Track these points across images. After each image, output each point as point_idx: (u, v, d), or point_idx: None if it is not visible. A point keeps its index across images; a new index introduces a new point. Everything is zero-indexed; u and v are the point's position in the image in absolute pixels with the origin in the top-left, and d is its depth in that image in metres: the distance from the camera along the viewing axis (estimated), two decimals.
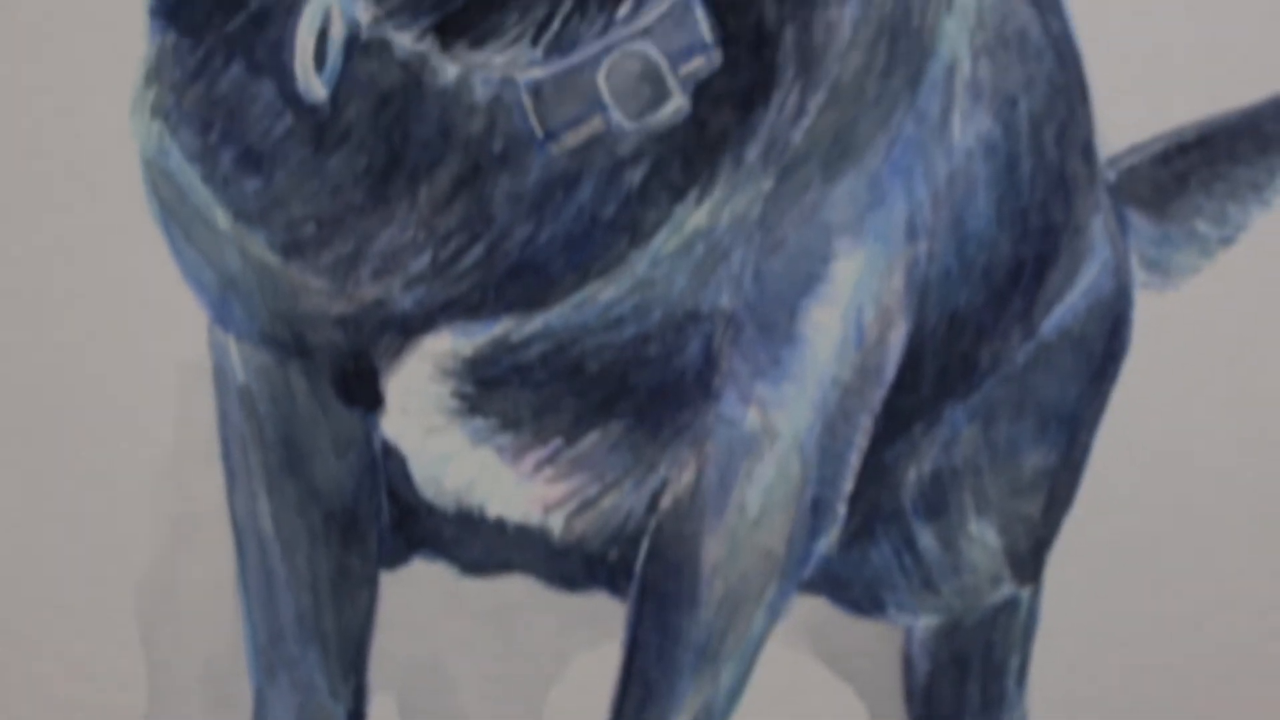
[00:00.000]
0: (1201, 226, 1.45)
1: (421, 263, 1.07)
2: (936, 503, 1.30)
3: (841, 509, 1.18)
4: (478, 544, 1.26)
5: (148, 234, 1.16)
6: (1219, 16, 1.47)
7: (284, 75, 1.08)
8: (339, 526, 1.24)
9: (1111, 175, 1.40)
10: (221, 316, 1.16)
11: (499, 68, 1.04)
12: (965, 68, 1.14)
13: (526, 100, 1.05)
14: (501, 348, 1.09)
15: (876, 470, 1.22)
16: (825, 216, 1.08)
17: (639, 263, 1.06)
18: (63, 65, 1.45)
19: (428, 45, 1.04)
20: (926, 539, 1.31)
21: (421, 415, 1.12)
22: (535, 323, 1.08)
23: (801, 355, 1.11)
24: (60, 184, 1.47)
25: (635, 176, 1.05)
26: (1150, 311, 1.37)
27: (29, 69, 1.46)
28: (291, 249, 1.09)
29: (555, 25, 1.03)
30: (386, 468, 1.23)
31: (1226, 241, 1.45)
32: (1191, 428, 1.47)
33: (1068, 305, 1.29)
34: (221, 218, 1.10)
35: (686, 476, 1.14)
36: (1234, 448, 1.48)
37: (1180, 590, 1.46)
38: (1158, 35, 1.47)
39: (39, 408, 1.48)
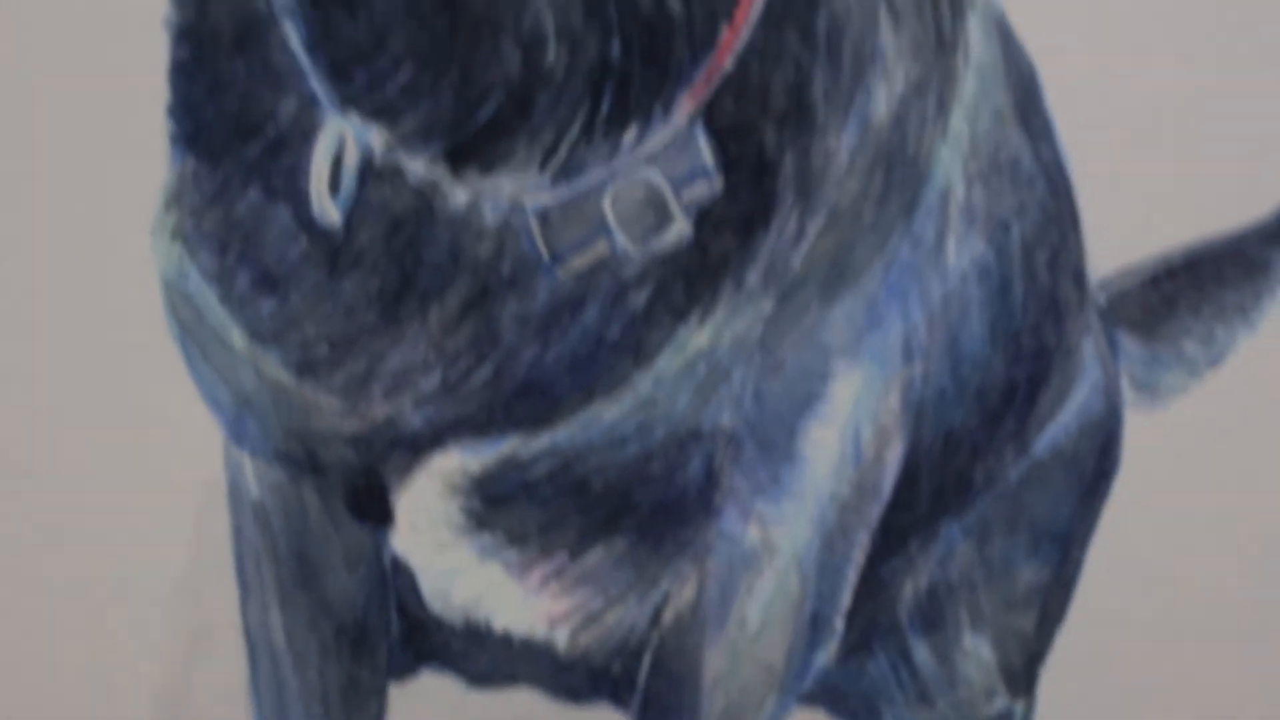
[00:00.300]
0: (1189, 348, 1.46)
1: (431, 382, 1.08)
2: (932, 617, 1.31)
3: (839, 623, 1.18)
4: (485, 657, 1.26)
5: (166, 354, 1.17)
6: (1205, 147, 1.49)
7: (299, 200, 1.09)
8: (349, 639, 1.25)
9: (1102, 298, 1.42)
10: (237, 434, 1.16)
11: (508, 193, 1.05)
12: (960, 194, 1.15)
13: (534, 225, 1.06)
14: (509, 465, 1.09)
15: (874, 585, 1.23)
16: (824, 338, 1.09)
17: (642, 382, 1.07)
18: (85, 188, 1.47)
19: (439, 172, 1.05)
20: (922, 653, 1.32)
21: (430, 531, 1.13)
22: (542, 441, 1.08)
23: (801, 473, 1.11)
24: (82, 304, 1.49)
25: (639, 299, 1.06)
26: (1140, 430, 1.38)
27: (51, 191, 1.47)
28: (305, 368, 1.10)
29: (562, 152, 1.04)
30: (396, 582, 1.24)
31: (1214, 362, 1.46)
32: (1181, 544, 1.48)
33: (1060, 424, 1.30)
34: (238, 338, 1.11)
35: (688, 591, 1.14)
36: (1223, 564, 1.49)
37: (1171, 704, 1.47)
38: (1146, 164, 1.48)
39: (60, 522, 1.49)
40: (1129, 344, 1.44)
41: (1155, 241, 1.46)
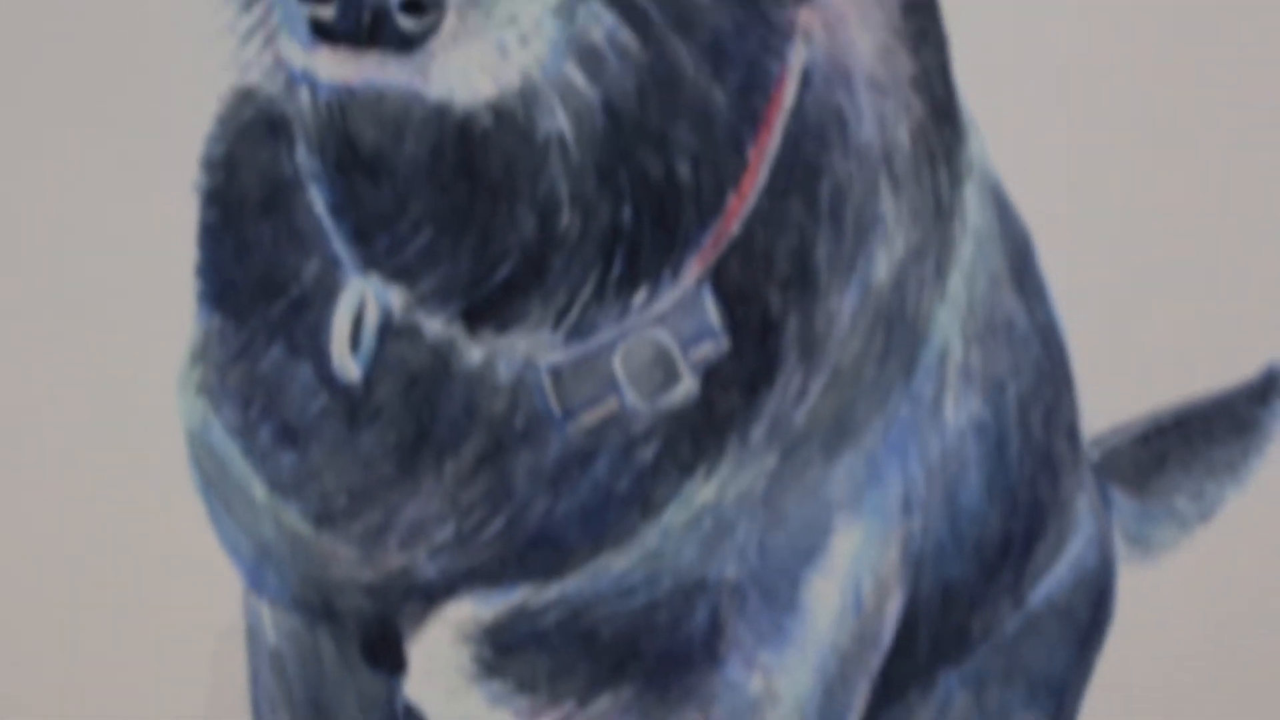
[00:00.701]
0: (1180, 504, 1.47)
1: (446, 533, 1.09)
2: None
3: None
4: None
5: (188, 503, 1.18)
6: (1192, 310, 1.51)
7: (321, 357, 1.11)
8: None
9: (1095, 454, 1.43)
10: (256, 582, 1.17)
11: (521, 351, 1.07)
12: (958, 354, 1.16)
13: (547, 382, 1.07)
14: (520, 614, 1.10)
15: None
16: (826, 493, 1.10)
17: (650, 535, 1.08)
18: (113, 343, 1.48)
19: (455, 330, 1.06)
20: None
21: (443, 678, 1.13)
22: (552, 591, 1.09)
23: (803, 623, 1.12)
24: (108, 453, 1.50)
25: (647, 454, 1.08)
26: (1132, 583, 1.39)
27: (82, 344, 1.49)
28: (323, 519, 1.11)
29: (574, 313, 1.05)
30: None
31: (1205, 518, 1.47)
32: (1172, 694, 1.48)
33: (1055, 577, 1.31)
34: (259, 490, 1.13)
35: None
36: (1217, 714, 1.49)
37: None
38: (1137, 326, 1.50)
39: (80, 665, 1.49)
40: (1122, 499, 1.45)
41: (1146, 400, 1.47)
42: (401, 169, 1.04)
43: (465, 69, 0.91)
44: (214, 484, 1.16)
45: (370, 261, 1.06)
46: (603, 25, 0.99)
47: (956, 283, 1.15)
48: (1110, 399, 1.38)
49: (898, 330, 1.11)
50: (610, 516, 1.08)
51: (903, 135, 1.10)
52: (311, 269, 1.11)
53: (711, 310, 1.07)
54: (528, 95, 0.96)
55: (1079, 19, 1.49)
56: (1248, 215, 1.53)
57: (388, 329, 1.09)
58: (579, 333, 1.06)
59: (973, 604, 1.24)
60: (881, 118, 1.10)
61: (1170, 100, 1.52)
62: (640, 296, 1.06)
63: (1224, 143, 1.53)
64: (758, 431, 1.08)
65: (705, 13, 1.02)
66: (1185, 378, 1.47)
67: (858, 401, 1.10)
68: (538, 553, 1.09)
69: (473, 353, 1.08)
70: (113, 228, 1.49)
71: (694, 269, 1.06)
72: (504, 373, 1.08)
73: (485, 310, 1.06)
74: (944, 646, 1.25)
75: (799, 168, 1.07)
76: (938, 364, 1.14)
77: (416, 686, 1.15)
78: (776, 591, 1.10)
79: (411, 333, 1.08)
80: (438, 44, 0.89)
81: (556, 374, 1.07)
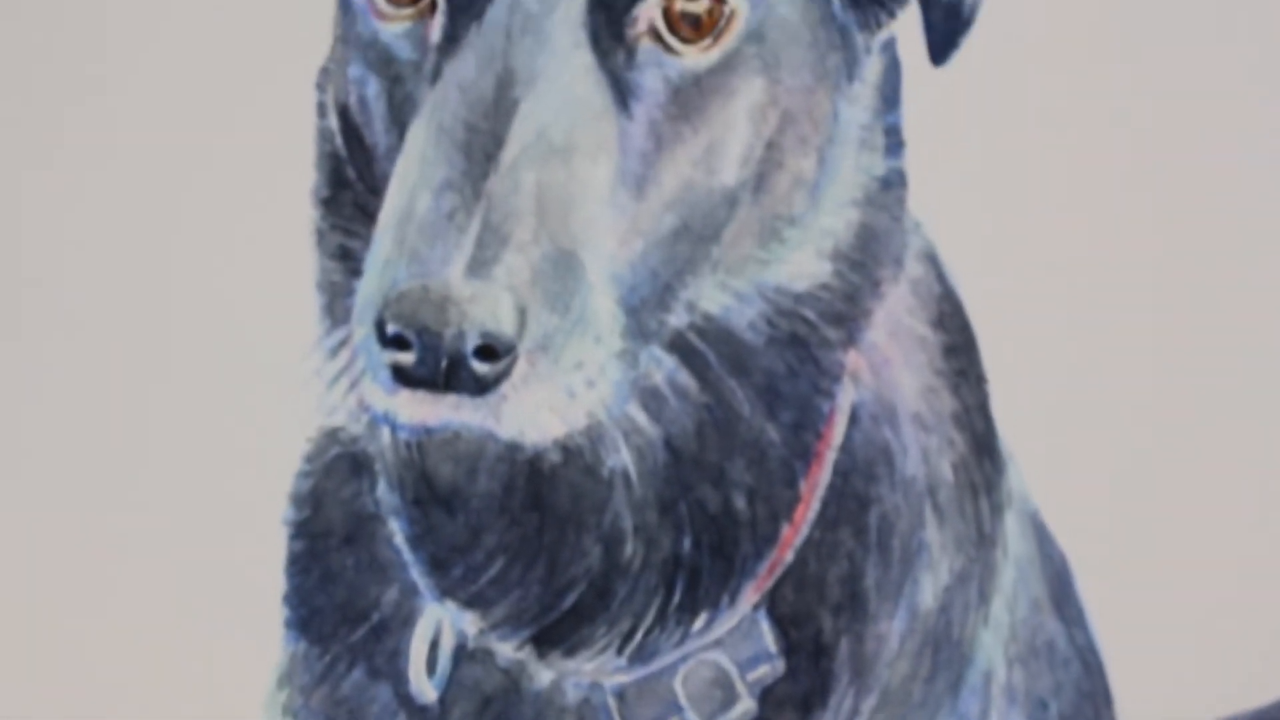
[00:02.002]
0: None
1: None
2: None
3: None
4: None
5: None
6: (1225, 630, 1.50)
7: (399, 679, 1.12)
8: None
9: None
10: None
11: (588, 674, 1.08)
12: (1001, 675, 1.17)
13: (612, 703, 1.08)
14: None
15: None
16: None
17: None
18: (200, 672, 1.48)
19: (526, 654, 1.08)
20: None
21: None
22: None
23: None
24: None
25: None
26: None
27: (171, 672, 1.49)
28: None
29: (638, 637, 1.07)
30: None
31: None
32: None
33: None
34: None
35: None
36: None
37: None
38: (1171, 648, 1.49)
39: None
40: None
41: (1182, 717, 1.46)
42: (475, 503, 1.06)
43: (535, 411, 0.93)
44: None
45: (446, 590, 1.08)
46: (663, 368, 1.02)
47: (999, 607, 1.16)
48: (1147, 716, 1.36)
49: (944, 652, 1.12)
50: None
51: (946, 469, 1.12)
52: (391, 597, 1.13)
53: (768, 634, 1.08)
54: (594, 434, 0.99)
55: (1115, 359, 1.51)
56: None
57: (462, 652, 1.10)
58: (642, 656, 1.07)
59: None
60: (926, 452, 1.12)
61: (1196, 424, 1.53)
62: (700, 622, 1.07)
63: (1259, 462, 1.53)
64: None
65: (759, 356, 1.04)
66: (1220, 698, 1.46)
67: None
68: None
69: (542, 675, 1.09)
70: (199, 567, 1.51)
71: (750, 595, 1.08)
72: (572, 694, 1.09)
73: (554, 635, 1.07)
74: None
75: (849, 499, 1.09)
76: (983, 684, 1.15)
77: None
78: None
79: (484, 656, 1.10)
80: (509, 387, 0.92)
81: (621, 696, 1.08)
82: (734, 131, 0.99)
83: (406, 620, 1.12)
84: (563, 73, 0.95)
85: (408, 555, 1.09)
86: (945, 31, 1.07)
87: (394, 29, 1.00)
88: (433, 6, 0.99)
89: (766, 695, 1.09)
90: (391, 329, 0.90)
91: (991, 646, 1.16)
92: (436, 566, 1.08)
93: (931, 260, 1.15)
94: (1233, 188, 1.51)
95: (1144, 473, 1.51)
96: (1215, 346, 1.52)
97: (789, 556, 1.08)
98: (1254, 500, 1.53)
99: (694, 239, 0.99)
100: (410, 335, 0.90)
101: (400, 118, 0.99)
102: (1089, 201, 1.51)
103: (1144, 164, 1.51)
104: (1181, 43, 1.51)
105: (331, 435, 1.16)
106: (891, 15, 1.06)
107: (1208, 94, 1.51)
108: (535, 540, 1.06)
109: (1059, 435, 1.42)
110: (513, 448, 1.01)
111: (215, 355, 1.51)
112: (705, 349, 1.03)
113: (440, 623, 1.10)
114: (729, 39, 0.98)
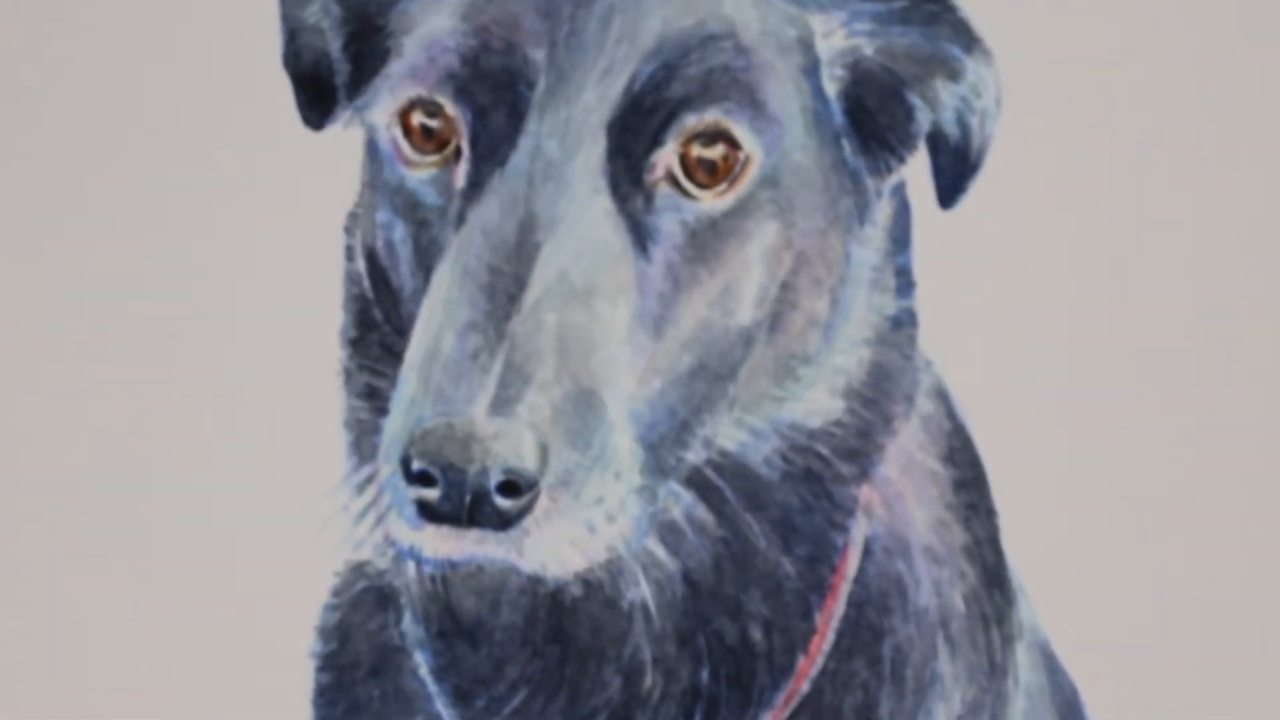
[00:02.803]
0: None
1: None
2: None
3: None
4: None
5: None
6: None
7: None
8: None
9: None
10: None
11: None
12: None
13: None
14: None
15: None
16: None
17: None
18: None
19: None
20: None
21: None
22: None
23: None
24: None
25: None
26: None
27: None
28: None
29: None
30: None
31: None
32: None
33: None
34: None
35: None
36: None
37: None
38: None
39: None
40: None
41: None
42: (498, 635, 1.06)
43: (556, 545, 0.94)
44: None
45: None
46: (681, 503, 1.03)
47: None
48: None
49: None
50: None
51: (958, 600, 1.13)
52: None
53: None
54: (614, 567, 1.00)
55: (1125, 493, 1.51)
56: None
57: None
58: None
59: None
60: (938, 584, 1.12)
61: (1208, 558, 1.53)
62: None
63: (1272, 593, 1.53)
64: None
65: (775, 491, 1.05)
66: None
67: None
68: None
69: None
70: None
71: None
72: None
73: None
74: None
75: (863, 630, 1.09)
76: None
77: None
78: None
79: None
80: (532, 522, 0.93)
81: None
82: (749, 273, 1.00)
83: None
84: (583, 217, 0.96)
85: (432, 687, 1.10)
86: (953, 176, 1.08)
87: (420, 175, 1.01)
88: (457, 154, 1.00)
89: None
90: (417, 466, 0.91)
91: None
92: (461, 698, 1.08)
93: (942, 397, 1.16)
94: (1243, 307, 1.52)
95: (1154, 603, 1.51)
96: (1228, 475, 1.53)
97: (805, 687, 1.09)
98: (1266, 635, 1.53)
99: (711, 377, 1.00)
100: (435, 472, 0.91)
101: (426, 261, 1.00)
102: (1098, 341, 1.52)
103: (1154, 301, 1.52)
104: (1191, 174, 1.53)
105: (358, 569, 1.17)
106: (901, 161, 1.07)
107: (1217, 229, 1.53)
108: (557, 672, 1.06)
109: (1069, 567, 1.42)
110: (535, 581, 1.02)
111: (245, 491, 1.52)
112: (722, 484, 1.03)
113: None
114: (744, 184, 1.00)
